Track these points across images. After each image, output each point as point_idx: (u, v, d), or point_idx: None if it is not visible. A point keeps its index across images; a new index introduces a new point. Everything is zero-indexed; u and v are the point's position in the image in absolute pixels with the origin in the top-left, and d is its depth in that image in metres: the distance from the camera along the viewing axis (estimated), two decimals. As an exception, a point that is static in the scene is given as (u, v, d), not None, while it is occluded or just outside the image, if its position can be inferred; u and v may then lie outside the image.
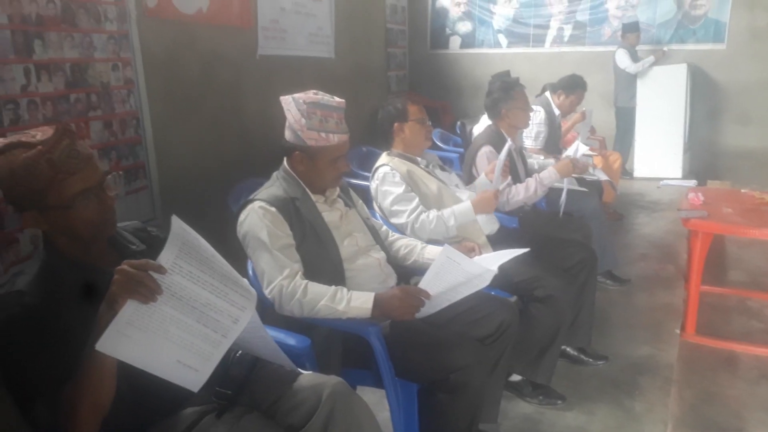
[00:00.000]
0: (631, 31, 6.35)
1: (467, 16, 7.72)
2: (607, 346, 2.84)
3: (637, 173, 6.61)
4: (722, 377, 2.77)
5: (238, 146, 4.08)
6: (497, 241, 2.45)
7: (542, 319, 2.28)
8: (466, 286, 1.71)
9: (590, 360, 2.68)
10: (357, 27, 6.18)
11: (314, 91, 1.85)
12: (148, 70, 3.24)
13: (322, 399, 1.27)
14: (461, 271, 1.66)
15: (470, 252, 1.98)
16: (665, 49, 6.55)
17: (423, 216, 2.32)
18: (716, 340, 3.07)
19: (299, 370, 1.41)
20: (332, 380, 1.34)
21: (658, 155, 6.45)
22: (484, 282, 1.73)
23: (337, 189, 1.97)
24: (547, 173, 2.84)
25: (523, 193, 2.80)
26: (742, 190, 3.88)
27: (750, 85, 6.42)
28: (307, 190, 1.86)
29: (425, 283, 1.66)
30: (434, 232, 2.29)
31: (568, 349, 2.68)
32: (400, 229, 2.33)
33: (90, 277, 1.26)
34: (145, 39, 3.21)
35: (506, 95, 3.02)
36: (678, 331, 3.05)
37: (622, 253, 4.08)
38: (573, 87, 4.14)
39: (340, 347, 1.74)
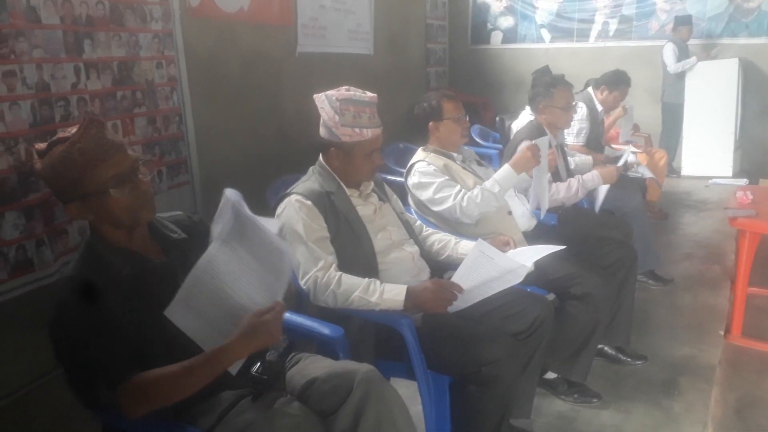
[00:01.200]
0: (683, 24, 6.17)
1: (509, 11, 7.64)
2: (646, 346, 2.78)
3: (684, 171, 6.42)
4: (765, 381, 2.68)
5: (277, 142, 4.14)
6: (534, 238, 2.43)
7: (579, 316, 2.24)
8: (499, 281, 1.71)
9: (629, 359, 2.63)
10: (396, 23, 6.19)
11: (346, 87, 1.88)
12: (191, 67, 3.33)
13: (354, 385, 1.29)
14: (494, 265, 1.65)
15: (505, 246, 1.97)
16: (713, 51, 6.34)
17: (468, 194, 2.31)
18: (762, 343, 2.97)
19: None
20: (364, 367, 1.37)
21: (707, 153, 6.26)
22: (518, 278, 1.72)
23: (372, 183, 1.99)
24: (590, 176, 2.80)
25: (563, 192, 2.76)
26: (795, 189, 3.73)
27: (806, 79, 6.17)
28: (342, 184, 1.89)
29: (458, 277, 1.67)
30: (483, 205, 2.27)
31: (606, 348, 2.63)
32: (447, 213, 2.32)
33: (133, 263, 1.32)
34: (188, 38, 3.30)
35: (546, 92, 2.97)
36: (721, 333, 2.96)
37: (666, 253, 3.97)
38: (616, 83, 4.05)
39: (373, 338, 1.76)
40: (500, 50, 7.77)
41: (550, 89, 2.96)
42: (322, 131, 1.88)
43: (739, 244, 3.11)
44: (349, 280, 1.70)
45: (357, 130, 1.82)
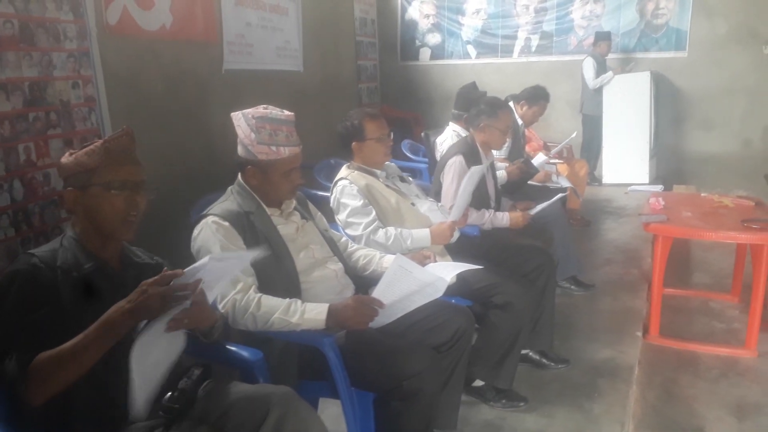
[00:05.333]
0: (603, 39, 6.49)
1: (436, 27, 7.83)
2: (569, 350, 2.89)
3: (605, 180, 6.73)
4: (684, 377, 2.84)
5: (205, 162, 4.08)
6: (457, 250, 2.49)
7: (501, 325, 2.32)
8: (419, 294, 1.74)
9: (552, 364, 2.72)
10: (326, 40, 6.23)
11: (264, 105, 1.88)
12: (110, 87, 3.24)
13: (270, 408, 1.29)
14: (414, 279, 1.69)
15: (425, 260, 2.01)
16: (629, 66, 6.70)
17: (382, 231, 2.36)
18: (678, 341, 3.15)
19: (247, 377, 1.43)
20: (280, 389, 1.37)
21: (626, 162, 6.58)
22: (438, 291, 1.76)
23: (293, 202, 1.99)
24: (501, 216, 2.90)
25: (475, 218, 2.82)
26: (702, 194, 3.98)
27: (711, 91, 6.60)
28: (262, 203, 1.89)
29: (378, 292, 1.69)
30: (390, 247, 2.33)
31: (530, 353, 2.72)
32: (355, 241, 2.36)
33: (98, 270, 1.41)
34: (107, 56, 3.21)
35: (491, 112, 3.01)
36: (639, 334, 3.11)
37: (588, 259, 4.15)
38: (536, 98, 4.22)
39: (296, 359, 1.76)
40: (429, 66, 7.94)
41: (496, 110, 3.02)
42: (240, 149, 1.88)
43: (654, 247, 3.28)
44: (268, 301, 1.69)
45: (273, 148, 1.83)
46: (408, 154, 5.11)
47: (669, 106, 6.80)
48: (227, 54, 4.42)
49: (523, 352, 2.69)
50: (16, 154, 2.69)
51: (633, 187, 6.41)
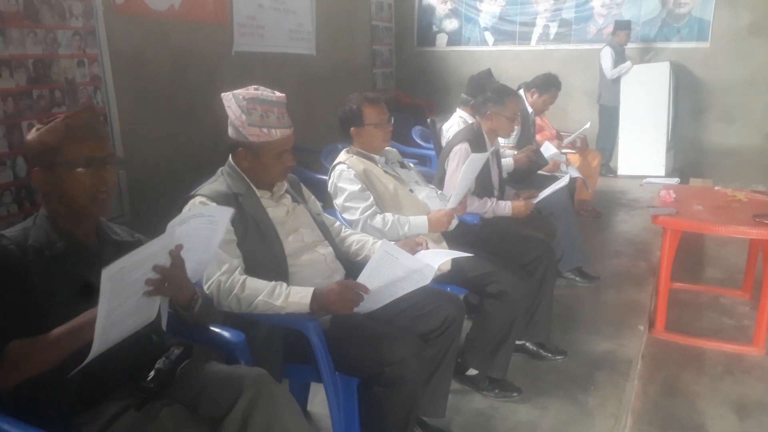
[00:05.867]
0: (622, 29, 6.36)
1: (454, 13, 7.73)
2: (568, 342, 2.85)
3: (620, 171, 6.62)
4: (687, 373, 2.79)
5: (211, 143, 4.07)
6: (455, 237, 2.46)
7: (496, 314, 2.29)
8: (406, 281, 1.72)
9: (549, 355, 2.69)
10: (340, 24, 6.18)
11: (255, 86, 1.86)
12: (116, 66, 3.25)
13: (243, 389, 1.28)
14: (399, 266, 1.67)
15: (417, 246, 1.98)
16: (648, 56, 6.56)
17: (379, 217, 2.33)
18: (684, 336, 3.09)
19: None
20: (253, 371, 1.36)
21: (642, 153, 6.47)
22: (426, 278, 1.74)
23: (285, 184, 1.97)
24: (503, 206, 2.85)
25: (476, 207, 2.79)
26: (716, 188, 3.89)
27: (733, 83, 6.44)
28: (252, 185, 1.87)
29: (364, 277, 1.67)
30: (387, 233, 2.30)
31: (527, 344, 2.69)
32: (352, 226, 2.34)
33: (67, 242, 1.39)
34: (113, 35, 3.22)
35: (499, 99, 2.95)
36: (641, 328, 3.06)
37: (596, 250, 4.09)
38: (547, 86, 4.15)
39: (282, 342, 1.75)
40: (445, 52, 7.86)
41: (504, 98, 2.95)
42: (230, 131, 1.87)
43: (662, 240, 3.22)
44: (253, 284, 1.68)
45: (265, 130, 1.81)
46: (419, 141, 5.07)
47: (689, 98, 6.65)
48: (237, 36, 4.41)
49: (520, 342, 2.66)
50: (20, 131, 2.71)
51: (648, 179, 6.30)
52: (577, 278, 3.59)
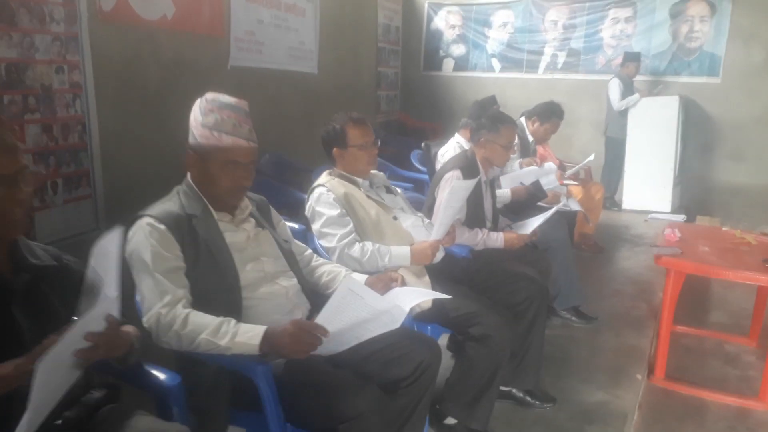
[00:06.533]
0: (632, 60, 6.24)
1: (461, 39, 7.64)
2: (559, 389, 2.64)
3: (625, 205, 6.44)
4: (687, 427, 2.58)
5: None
6: (439, 271, 2.28)
7: (478, 359, 2.10)
8: (374, 323, 1.54)
9: (537, 402, 2.48)
10: (344, 44, 6.08)
11: (222, 93, 1.72)
12: (100, 74, 3.11)
13: None
14: (365, 306, 1.48)
15: (391, 282, 1.80)
16: (657, 89, 6.43)
17: (358, 245, 2.16)
18: (686, 386, 2.88)
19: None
20: (172, 428, 1.17)
21: (648, 188, 6.29)
22: (395, 321, 1.55)
23: (248, 207, 1.80)
24: (495, 237, 2.69)
25: (467, 238, 2.61)
26: (723, 228, 3.70)
27: (744, 120, 6.29)
28: (210, 207, 1.70)
29: (323, 318, 1.48)
30: (365, 264, 2.13)
31: (513, 390, 2.49)
32: (329, 254, 2.17)
33: None
34: (98, 43, 3.09)
35: (493, 126, 2.79)
36: (639, 377, 2.85)
37: (595, 288, 3.89)
38: (548, 115, 3.99)
39: (230, 386, 1.56)
40: (452, 77, 7.76)
41: (498, 125, 2.79)
42: (189, 137, 1.71)
43: (665, 282, 3.04)
44: (197, 319, 1.49)
45: (215, 133, 1.64)
46: (417, 165, 4.91)
47: (698, 133, 6.50)
48: (234, 50, 4.29)
49: (506, 388, 2.46)
50: (-13, 138, 2.56)
51: (653, 215, 6.11)
52: (574, 318, 3.39)
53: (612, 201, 6.48)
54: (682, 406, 2.73)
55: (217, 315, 1.51)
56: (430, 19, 7.77)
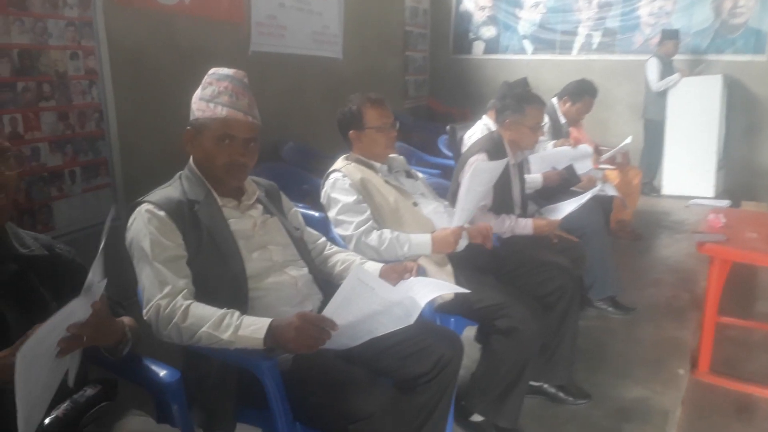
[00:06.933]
0: (670, 38, 5.94)
1: (492, 20, 7.41)
2: (594, 384, 2.49)
3: (665, 191, 6.16)
4: (734, 425, 2.40)
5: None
6: (463, 260, 2.14)
7: (505, 353, 1.96)
8: (386, 316, 1.41)
9: (570, 399, 2.33)
10: (370, 28, 5.93)
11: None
12: (116, 60, 3.04)
13: None
14: (375, 297, 1.36)
15: (405, 273, 1.67)
16: (698, 68, 6.11)
17: (376, 233, 2.04)
18: (732, 380, 2.69)
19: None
20: (161, 430, 1.07)
21: (689, 172, 6.00)
22: (410, 316, 1.42)
23: (255, 193, 1.69)
24: (524, 224, 2.53)
25: (494, 225, 2.46)
26: (772, 213, 3.47)
27: (793, 99, 5.94)
28: (214, 192, 1.60)
29: (331, 310, 1.36)
30: (383, 252, 2.01)
31: (545, 385, 2.34)
32: (345, 242, 2.05)
33: None
34: (113, 28, 3.02)
35: (518, 107, 2.62)
36: (681, 371, 2.67)
37: (633, 278, 3.70)
38: (579, 93, 3.78)
39: (236, 381, 1.45)
40: (482, 60, 7.54)
41: (523, 105, 2.63)
42: (190, 114, 1.62)
43: (709, 270, 2.84)
44: (199, 311, 1.39)
45: (211, 105, 1.55)
46: (445, 151, 4.76)
47: (743, 114, 6.15)
48: (255, 35, 4.19)
49: (537, 383, 2.32)
50: (0, 124, 2.52)
51: (695, 200, 5.82)
52: (610, 309, 3.21)
53: (651, 186, 6.21)
54: (728, 402, 2.55)
55: (222, 307, 1.41)
56: (459, 2, 7.56)
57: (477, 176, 2.00)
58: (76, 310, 1.06)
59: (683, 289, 3.64)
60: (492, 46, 7.48)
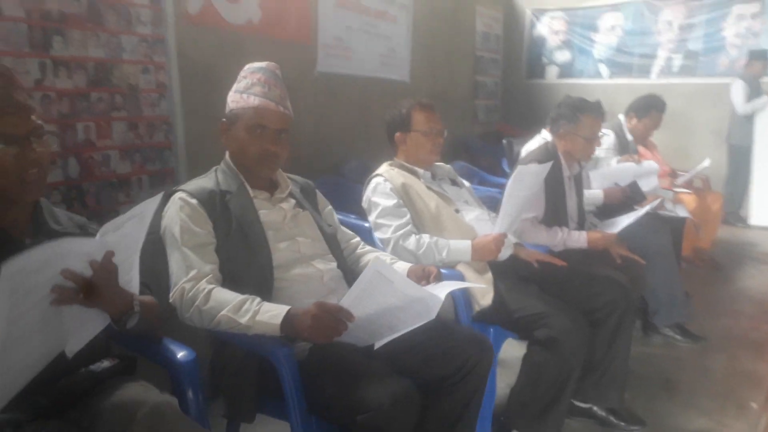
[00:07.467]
0: (757, 59, 5.62)
1: (566, 44, 7.29)
2: (652, 411, 2.31)
3: (752, 221, 5.74)
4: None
5: (288, 163, 3.96)
6: (506, 268, 2.06)
7: (545, 366, 1.86)
8: (405, 312, 1.37)
9: (622, 423, 2.18)
10: (439, 53, 5.97)
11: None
12: (185, 76, 3.20)
13: (136, 419, 1.00)
14: (394, 291, 1.33)
15: (428, 276, 1.62)
16: None
17: (414, 237, 2.01)
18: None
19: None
20: (157, 398, 1.07)
21: (779, 201, 5.57)
22: (430, 312, 1.38)
23: (288, 186, 1.72)
24: (577, 236, 2.43)
25: (544, 238, 2.37)
26: None
27: None
28: (246, 184, 1.63)
29: (348, 300, 1.34)
30: (421, 257, 1.97)
31: (595, 408, 2.19)
32: (384, 246, 2.03)
33: None
34: (184, 45, 3.18)
35: (572, 116, 2.55)
36: (755, 405, 2.43)
37: (707, 307, 3.44)
38: (646, 108, 3.61)
39: (256, 371, 1.45)
40: (555, 85, 7.40)
41: (578, 114, 2.55)
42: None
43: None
44: (220, 295, 1.41)
45: (244, 95, 1.62)
46: (506, 169, 4.68)
47: (841, 139, 5.68)
48: (322, 56, 4.30)
49: (586, 405, 2.18)
50: (74, 133, 2.69)
51: (787, 232, 5.39)
52: (678, 336, 3.00)
53: (737, 216, 5.82)
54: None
55: (247, 294, 1.42)
56: (533, 26, 7.50)
57: (519, 180, 1.93)
58: (69, 255, 1.05)
59: (765, 321, 3.34)
60: (566, 71, 7.35)
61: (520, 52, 7.57)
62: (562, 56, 7.35)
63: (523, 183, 1.95)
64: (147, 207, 1.19)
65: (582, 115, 2.48)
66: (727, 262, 4.46)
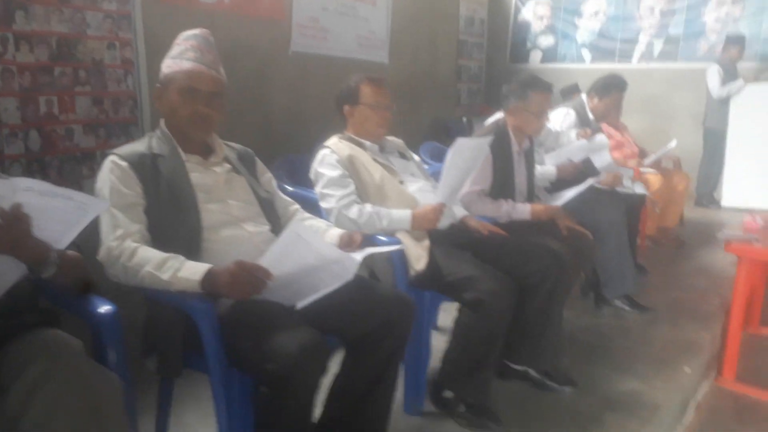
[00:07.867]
0: (734, 44, 5.66)
1: (550, 29, 7.33)
2: (590, 375, 2.41)
3: (725, 202, 5.81)
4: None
5: (260, 138, 4.01)
6: (443, 236, 2.14)
7: (471, 327, 1.94)
8: (324, 272, 1.46)
9: (554, 385, 2.26)
10: (420, 36, 6.01)
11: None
12: (152, 53, 3.26)
13: (35, 359, 1.07)
14: (312, 251, 1.41)
15: (352, 243, 1.70)
16: (765, 76, 5.77)
17: (356, 207, 2.09)
18: (761, 390, 2.51)
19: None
20: (64, 340, 1.14)
21: (751, 184, 5.63)
22: (348, 272, 1.46)
23: (223, 151, 1.79)
24: (522, 209, 2.50)
25: (489, 210, 2.45)
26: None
27: None
28: (179, 148, 1.70)
29: (267, 259, 1.42)
30: (363, 226, 2.05)
31: (530, 371, 2.28)
32: (328, 215, 2.11)
33: None
34: (151, 23, 3.24)
35: (522, 92, 2.60)
36: (688, 370, 2.52)
37: (663, 281, 3.54)
38: (607, 88, 3.66)
39: (183, 327, 1.52)
40: (539, 69, 7.42)
41: (527, 91, 2.60)
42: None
43: (737, 271, 2.69)
44: (145, 253, 1.48)
45: (177, 61, 1.68)
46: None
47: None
48: (296, 35, 4.35)
49: (522, 368, 2.27)
50: (36, 106, 2.76)
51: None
52: (626, 308, 3.09)
53: (710, 198, 5.91)
54: (751, 414, 2.38)
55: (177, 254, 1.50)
56: (517, 11, 7.53)
57: (458, 152, 2.00)
58: None
59: (716, 294, 3.43)
60: (550, 55, 7.39)
61: (505, 36, 7.60)
62: (546, 41, 7.39)
63: (462, 155, 2.01)
64: (93, 205, 1.27)
65: (531, 91, 2.55)
66: (694, 241, 4.55)
